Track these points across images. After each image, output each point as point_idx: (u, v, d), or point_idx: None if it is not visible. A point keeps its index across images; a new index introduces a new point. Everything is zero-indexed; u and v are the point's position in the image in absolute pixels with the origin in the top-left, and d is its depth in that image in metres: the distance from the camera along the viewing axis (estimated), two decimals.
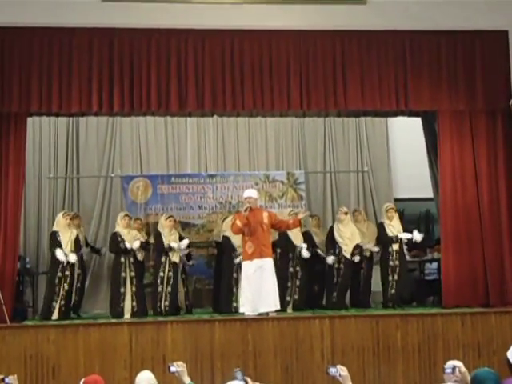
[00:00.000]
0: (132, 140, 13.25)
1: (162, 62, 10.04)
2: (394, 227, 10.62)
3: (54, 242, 10.22)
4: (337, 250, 10.70)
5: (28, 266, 11.68)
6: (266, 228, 9.84)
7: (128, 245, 10.32)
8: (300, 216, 10.34)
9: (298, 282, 10.59)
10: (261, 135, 13.57)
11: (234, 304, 10.25)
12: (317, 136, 13.71)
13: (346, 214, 10.90)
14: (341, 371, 4.70)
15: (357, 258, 10.70)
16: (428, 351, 9.04)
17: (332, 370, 4.73)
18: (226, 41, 10.16)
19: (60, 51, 9.90)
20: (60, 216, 10.52)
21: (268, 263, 9.66)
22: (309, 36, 10.26)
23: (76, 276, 10.45)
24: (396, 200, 13.26)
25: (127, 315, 10.14)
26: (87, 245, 11.55)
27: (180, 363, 5.05)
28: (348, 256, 10.62)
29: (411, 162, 12.79)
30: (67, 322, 9.56)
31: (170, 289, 10.34)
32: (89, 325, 9.17)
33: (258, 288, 9.53)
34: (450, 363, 5.51)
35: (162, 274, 10.36)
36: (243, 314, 9.54)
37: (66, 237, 10.22)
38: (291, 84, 10.18)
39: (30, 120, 10.57)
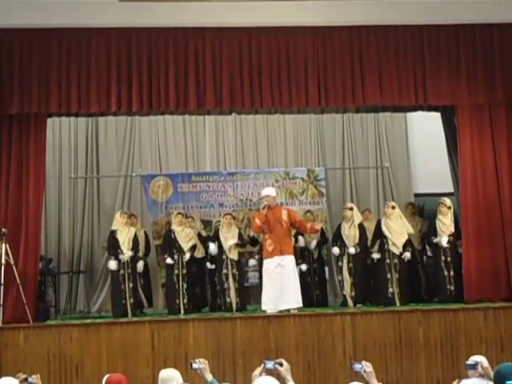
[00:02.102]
0: (151, 139, 13.31)
1: (180, 60, 10.06)
2: (443, 224, 10.51)
3: (111, 241, 10.38)
4: (385, 246, 10.49)
5: (50, 265, 11.73)
6: (286, 225, 9.84)
7: (181, 245, 10.55)
8: (317, 227, 10.28)
9: (352, 279, 10.54)
10: (279, 132, 13.57)
11: None
12: (335, 132, 13.69)
13: (393, 208, 10.70)
14: (366, 367, 4.69)
15: (408, 256, 10.46)
16: (450, 347, 9.00)
17: (357, 366, 4.72)
18: (244, 38, 10.15)
19: (78, 52, 9.95)
20: (117, 215, 10.64)
21: (288, 260, 9.67)
22: (326, 32, 10.22)
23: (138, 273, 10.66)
24: (416, 195, 13.24)
25: (182, 312, 10.31)
26: (147, 242, 11.58)
27: (202, 360, 5.05)
28: (396, 251, 10.40)
29: (431, 157, 12.75)
30: (89, 321, 9.61)
31: (237, 285, 10.51)
32: (111, 323, 9.21)
33: (279, 285, 9.54)
34: (473, 358, 5.49)
35: (225, 270, 10.51)
36: (265, 311, 9.55)
37: (124, 235, 10.34)
38: (309, 81, 10.15)
39: (49, 121, 10.65)
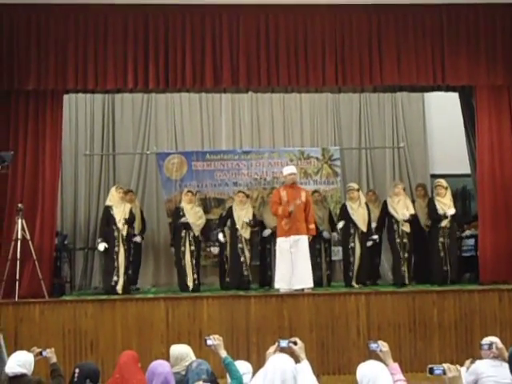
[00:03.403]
0: (167, 117, 13.29)
1: (197, 38, 10.03)
2: (444, 204, 10.46)
3: (106, 217, 10.29)
4: (394, 226, 10.50)
5: (66, 241, 11.79)
6: (303, 206, 9.82)
7: (186, 219, 10.47)
8: (313, 233, 10.05)
9: (357, 257, 10.47)
10: (296, 111, 13.50)
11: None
12: (352, 112, 13.62)
13: (403, 189, 10.81)
14: (382, 347, 4.69)
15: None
16: (465, 328, 9.00)
17: (373, 346, 4.72)
18: (261, 16, 10.10)
19: (95, 28, 9.95)
20: (113, 190, 10.52)
21: (303, 240, 9.67)
22: (344, 10, 10.16)
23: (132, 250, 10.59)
24: (432, 176, 13.15)
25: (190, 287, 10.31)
26: (143, 220, 11.57)
27: (217, 336, 5.06)
28: (408, 229, 10.46)
29: (448, 138, 12.67)
30: (104, 297, 9.66)
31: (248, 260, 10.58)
32: (126, 300, 9.27)
33: (292, 264, 9.54)
34: (487, 339, 5.49)
35: (240, 245, 10.53)
36: (278, 289, 9.57)
37: (120, 211, 10.23)
38: (326, 59, 10.11)
39: (66, 97, 10.67)
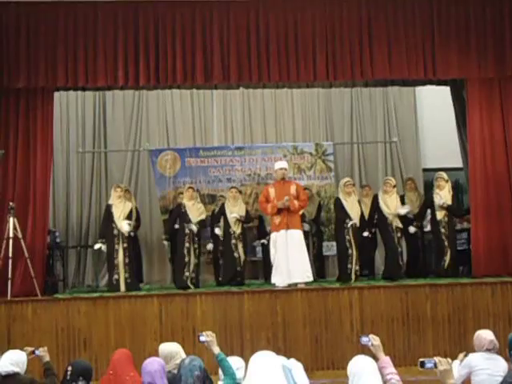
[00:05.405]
0: (158, 113, 13.28)
1: (187, 34, 10.00)
2: (441, 197, 10.38)
3: (106, 215, 10.28)
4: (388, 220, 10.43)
5: (58, 239, 11.76)
6: (294, 199, 9.81)
7: (191, 219, 10.35)
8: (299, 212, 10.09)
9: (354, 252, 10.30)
10: (287, 107, 13.52)
11: None
12: (344, 107, 13.63)
13: (394, 186, 10.67)
14: (373, 340, 4.70)
15: (412, 229, 10.66)
16: (458, 321, 9.01)
17: (364, 340, 4.73)
18: (252, 12, 10.08)
19: (85, 25, 9.91)
20: (112, 190, 10.53)
21: (296, 234, 9.66)
22: (335, 5, 10.14)
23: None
24: (424, 170, 13.20)
25: (189, 284, 10.16)
26: (138, 219, 11.36)
27: (209, 333, 5.07)
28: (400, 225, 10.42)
29: (440, 132, 12.69)
30: (97, 294, 9.64)
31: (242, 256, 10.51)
32: (119, 297, 9.24)
33: (286, 259, 9.54)
34: (479, 334, 5.55)
35: (233, 241, 10.47)
36: (274, 284, 9.57)
37: (119, 209, 10.20)
38: (317, 54, 10.08)
39: (56, 95, 10.64)
